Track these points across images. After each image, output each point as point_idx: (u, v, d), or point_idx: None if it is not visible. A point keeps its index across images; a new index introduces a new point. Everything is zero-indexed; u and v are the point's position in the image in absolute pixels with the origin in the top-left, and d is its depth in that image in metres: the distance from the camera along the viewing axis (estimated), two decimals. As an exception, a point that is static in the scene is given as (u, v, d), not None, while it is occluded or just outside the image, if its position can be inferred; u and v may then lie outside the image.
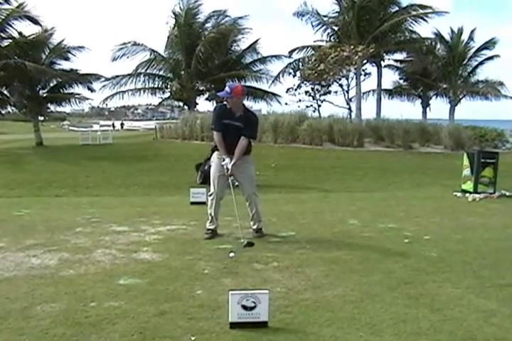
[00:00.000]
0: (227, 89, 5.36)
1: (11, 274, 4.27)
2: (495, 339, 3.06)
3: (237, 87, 5.43)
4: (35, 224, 6.42)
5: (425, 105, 33.38)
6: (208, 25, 28.41)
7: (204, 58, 26.58)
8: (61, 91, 25.50)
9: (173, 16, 26.81)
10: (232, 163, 5.33)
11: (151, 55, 27.85)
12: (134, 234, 5.82)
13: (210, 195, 5.67)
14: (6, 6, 22.31)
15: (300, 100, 25.35)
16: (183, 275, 4.24)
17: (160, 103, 30.69)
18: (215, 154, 5.65)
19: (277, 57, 29.18)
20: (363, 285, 4.00)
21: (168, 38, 27.74)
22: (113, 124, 64.30)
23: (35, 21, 22.89)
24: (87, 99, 26.58)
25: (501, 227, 6.39)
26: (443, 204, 8.37)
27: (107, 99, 28.23)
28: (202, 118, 22.28)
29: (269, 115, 22.73)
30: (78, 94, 25.96)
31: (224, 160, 5.42)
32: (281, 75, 28.32)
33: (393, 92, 34.08)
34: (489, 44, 30.17)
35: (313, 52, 27.32)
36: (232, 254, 4.76)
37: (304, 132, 20.15)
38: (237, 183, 5.73)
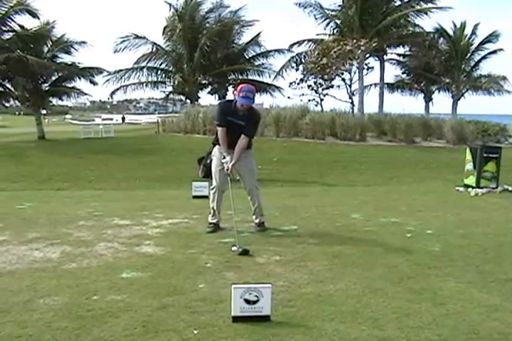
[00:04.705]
0: (250, 95, 5.26)
1: (14, 267, 4.28)
2: (497, 333, 3.05)
3: (253, 90, 5.37)
4: (37, 218, 6.43)
5: (428, 99, 33.24)
6: (209, 17, 28.23)
7: (207, 52, 26.46)
8: (63, 85, 25.44)
9: (172, 10, 26.65)
10: (232, 163, 5.31)
11: (153, 48, 27.75)
12: (137, 228, 5.83)
13: (212, 189, 5.67)
14: None
15: (303, 94, 25.30)
16: (186, 268, 4.24)
17: (166, 97, 30.55)
18: (216, 148, 5.63)
19: (279, 51, 29.06)
20: (366, 280, 4.00)
21: (167, 30, 27.53)
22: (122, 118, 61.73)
23: (34, 15, 22.75)
24: (86, 94, 26.46)
25: (504, 222, 6.39)
26: (445, 199, 8.36)
27: (113, 92, 28.16)
28: (204, 112, 22.20)
29: (271, 109, 22.63)
30: (79, 89, 25.90)
31: (224, 157, 5.41)
32: (283, 70, 28.23)
33: (395, 86, 33.95)
34: (492, 37, 29.94)
35: (315, 45, 27.21)
36: (234, 248, 4.76)
37: (306, 126, 20.07)
38: (238, 177, 5.72)
